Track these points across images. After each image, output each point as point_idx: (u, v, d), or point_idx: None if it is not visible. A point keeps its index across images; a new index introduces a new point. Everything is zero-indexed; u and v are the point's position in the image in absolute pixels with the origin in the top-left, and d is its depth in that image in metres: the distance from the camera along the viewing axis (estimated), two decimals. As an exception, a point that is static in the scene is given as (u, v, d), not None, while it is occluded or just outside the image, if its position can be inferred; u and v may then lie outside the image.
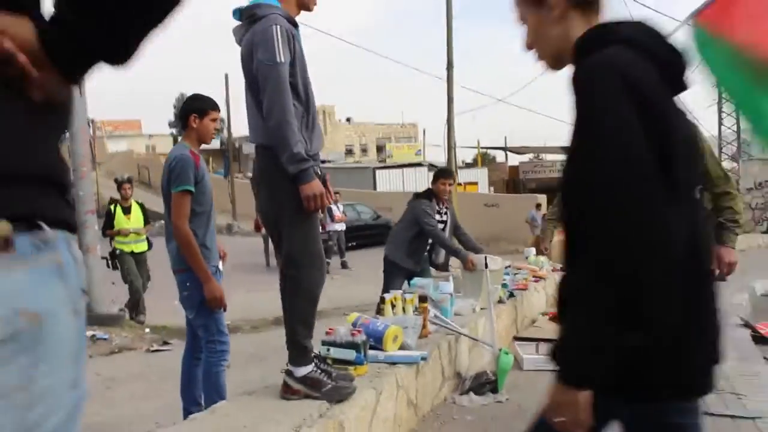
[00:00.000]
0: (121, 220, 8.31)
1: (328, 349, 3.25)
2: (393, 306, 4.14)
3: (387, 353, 3.57)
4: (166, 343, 7.65)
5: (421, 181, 32.57)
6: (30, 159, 0.81)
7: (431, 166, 37.88)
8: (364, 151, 56.09)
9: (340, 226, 16.18)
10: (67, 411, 0.84)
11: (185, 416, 3.26)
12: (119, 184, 8.40)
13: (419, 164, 37.37)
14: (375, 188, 32.87)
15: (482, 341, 4.65)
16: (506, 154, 40.73)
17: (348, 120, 56.73)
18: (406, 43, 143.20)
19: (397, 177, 34.79)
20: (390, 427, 3.26)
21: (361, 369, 3.24)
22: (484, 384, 4.26)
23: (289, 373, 2.80)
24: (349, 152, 53.36)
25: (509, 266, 7.21)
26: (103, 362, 6.68)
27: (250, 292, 10.54)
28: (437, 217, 5.49)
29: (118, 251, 8.27)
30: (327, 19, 34.02)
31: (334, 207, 16.38)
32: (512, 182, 36.35)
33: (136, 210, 8.49)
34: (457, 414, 3.95)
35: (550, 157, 36.59)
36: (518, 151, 38.68)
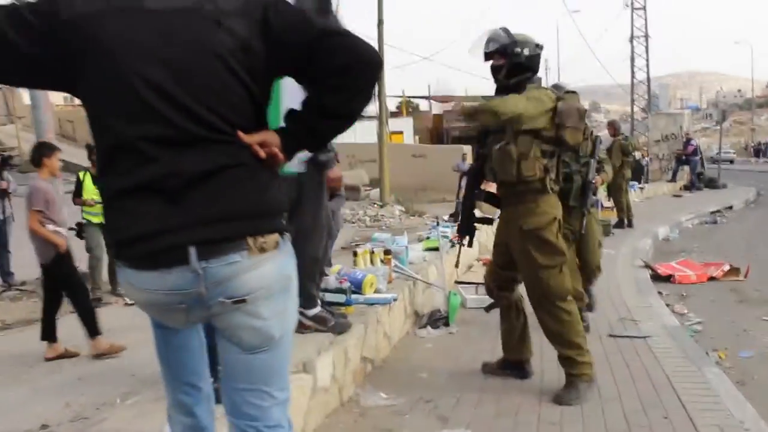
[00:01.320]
0: (90, 190, 7.95)
1: (323, 295, 4.11)
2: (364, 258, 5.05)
3: (366, 296, 4.47)
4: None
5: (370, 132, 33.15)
6: (281, 201, 1.63)
7: (365, 116, 38.57)
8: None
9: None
10: (295, 324, 1.70)
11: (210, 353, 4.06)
12: (90, 150, 8.04)
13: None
14: None
15: (435, 284, 5.62)
16: (430, 104, 41.69)
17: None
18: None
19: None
20: (373, 353, 4.19)
21: (350, 309, 4.13)
22: (438, 320, 5.24)
23: (301, 313, 3.64)
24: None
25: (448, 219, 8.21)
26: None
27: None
28: None
29: (85, 221, 7.91)
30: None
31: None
32: (436, 131, 37.30)
33: None
34: (418, 344, 4.92)
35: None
36: (442, 99, 39.58)
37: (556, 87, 4.39)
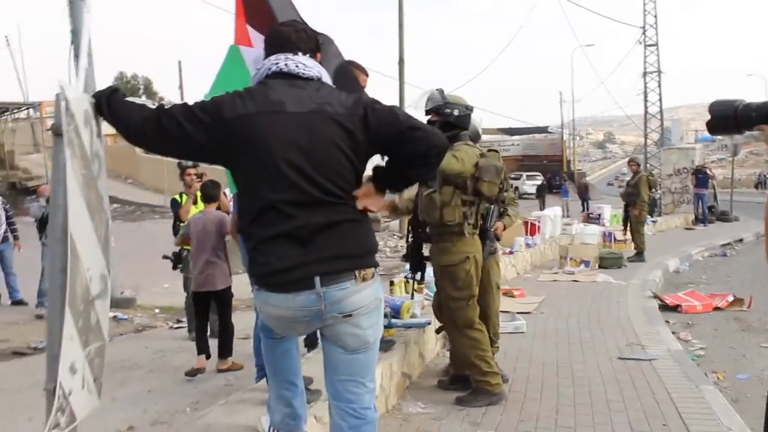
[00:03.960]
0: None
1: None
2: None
3: (403, 320, 5.11)
4: (179, 321, 8.82)
5: None
6: (375, 244, 2.31)
7: None
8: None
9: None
10: (381, 333, 2.36)
11: (258, 370, 4.66)
12: (183, 170, 7.47)
13: None
14: None
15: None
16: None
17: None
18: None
19: None
20: (411, 369, 4.82)
21: (391, 331, 4.77)
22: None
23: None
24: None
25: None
26: (138, 338, 7.94)
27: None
28: None
29: (185, 251, 7.09)
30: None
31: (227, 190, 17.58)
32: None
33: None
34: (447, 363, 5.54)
35: (485, 137, 38.38)
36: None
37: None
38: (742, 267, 12.55)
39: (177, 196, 7.55)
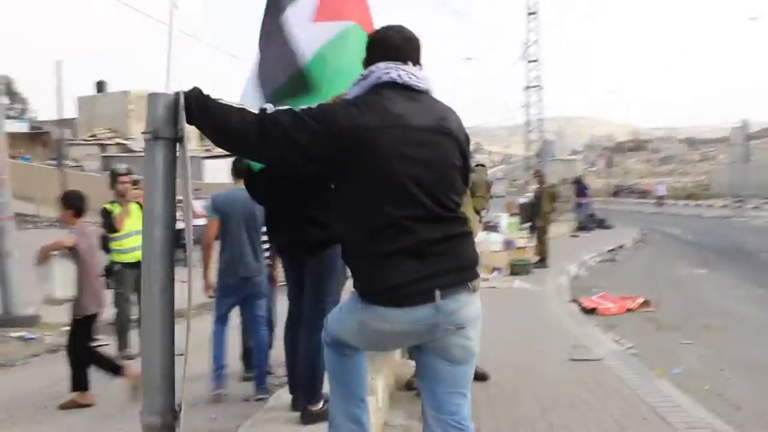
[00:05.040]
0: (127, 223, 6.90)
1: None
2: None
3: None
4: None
5: None
6: (479, 256, 2.34)
7: None
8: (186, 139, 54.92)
9: (201, 221, 16.89)
10: None
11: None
12: (115, 177, 7.05)
13: None
14: (202, 179, 32.19)
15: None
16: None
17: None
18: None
19: (225, 167, 34.61)
20: (392, 379, 4.84)
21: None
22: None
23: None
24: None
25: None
26: (56, 360, 7.31)
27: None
28: None
29: (116, 264, 6.91)
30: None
31: (195, 203, 17.11)
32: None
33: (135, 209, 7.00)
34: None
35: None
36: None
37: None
38: (633, 271, 13.55)
39: (107, 205, 7.03)
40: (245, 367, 5.73)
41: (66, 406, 5.14)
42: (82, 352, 5.25)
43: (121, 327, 6.97)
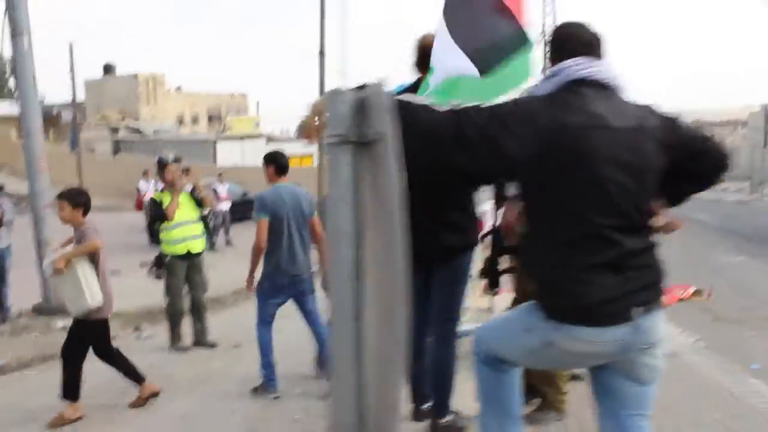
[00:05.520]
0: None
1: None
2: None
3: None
4: (136, 329, 7.95)
5: (260, 154, 31.94)
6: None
7: (269, 139, 37.93)
8: (194, 121, 54.64)
9: (226, 206, 16.85)
10: None
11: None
12: (163, 166, 6.76)
13: (258, 136, 37.36)
14: (215, 161, 31.98)
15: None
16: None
17: (178, 89, 54.77)
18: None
19: (237, 150, 34.30)
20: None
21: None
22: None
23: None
24: (180, 123, 51.76)
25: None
26: None
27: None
28: None
29: (167, 255, 6.76)
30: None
31: (219, 186, 16.97)
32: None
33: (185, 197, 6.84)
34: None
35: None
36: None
37: None
38: (669, 259, 13.18)
39: (156, 195, 6.92)
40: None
41: (55, 424, 4.58)
42: (108, 356, 4.86)
43: (173, 320, 6.85)
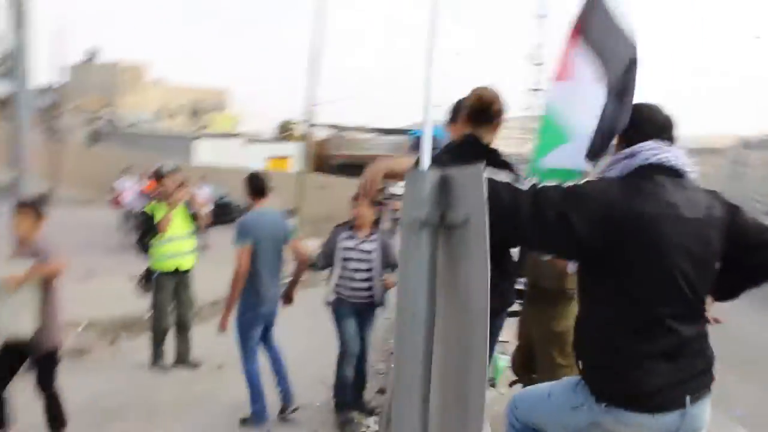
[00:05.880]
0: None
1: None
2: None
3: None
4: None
5: (239, 154, 30.92)
6: None
7: (251, 139, 36.55)
8: (171, 116, 53.14)
9: (206, 210, 16.45)
10: None
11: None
12: (160, 177, 6.54)
13: (237, 135, 36.25)
14: (190, 160, 29.59)
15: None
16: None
17: (158, 80, 53.38)
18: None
19: (215, 148, 32.68)
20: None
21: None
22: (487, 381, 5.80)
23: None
24: (159, 116, 50.55)
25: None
26: (91, 370, 6.75)
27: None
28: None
29: (155, 271, 6.48)
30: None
31: (199, 191, 16.62)
32: (318, 157, 32.96)
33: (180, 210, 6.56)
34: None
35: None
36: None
37: None
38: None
39: (148, 208, 6.49)
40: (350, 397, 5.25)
41: None
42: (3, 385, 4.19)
43: (157, 337, 6.55)
